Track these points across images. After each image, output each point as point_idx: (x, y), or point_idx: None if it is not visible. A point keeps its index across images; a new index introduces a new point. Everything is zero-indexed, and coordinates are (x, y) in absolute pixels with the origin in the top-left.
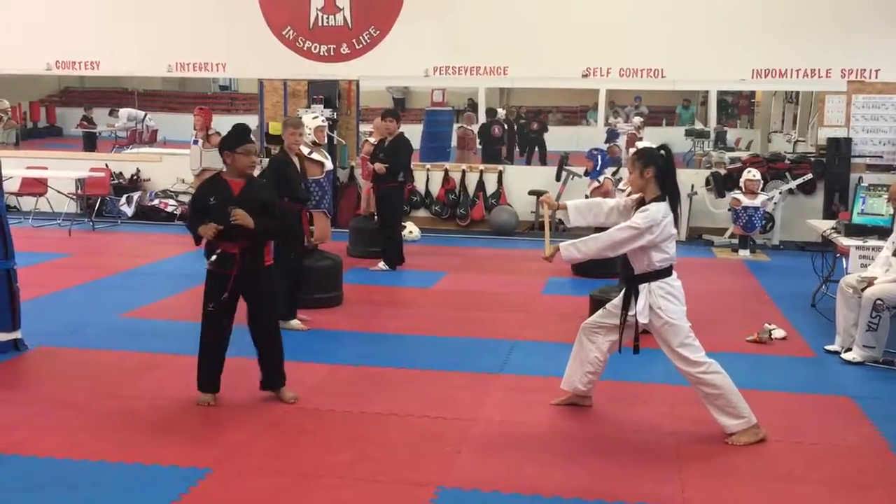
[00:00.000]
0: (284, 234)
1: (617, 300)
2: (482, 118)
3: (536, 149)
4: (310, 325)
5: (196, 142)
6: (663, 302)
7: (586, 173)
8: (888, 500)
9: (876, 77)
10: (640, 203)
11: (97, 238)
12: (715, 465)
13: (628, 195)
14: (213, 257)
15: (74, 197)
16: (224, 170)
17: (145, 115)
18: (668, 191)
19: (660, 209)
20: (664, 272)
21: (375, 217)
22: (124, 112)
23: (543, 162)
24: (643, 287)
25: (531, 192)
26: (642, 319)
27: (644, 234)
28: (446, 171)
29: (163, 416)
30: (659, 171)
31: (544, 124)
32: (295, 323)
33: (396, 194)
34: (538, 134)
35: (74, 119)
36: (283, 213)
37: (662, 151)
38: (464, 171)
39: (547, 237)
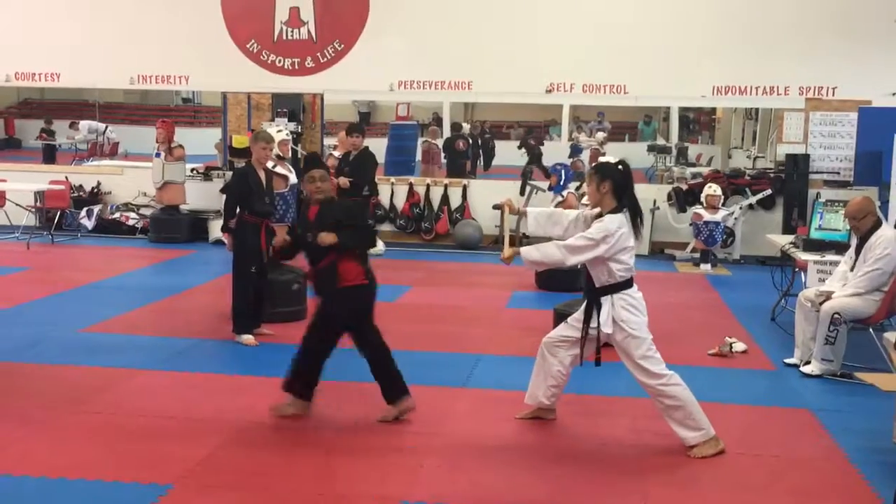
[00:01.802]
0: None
1: (578, 314)
2: (447, 132)
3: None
4: (273, 340)
5: (158, 155)
6: (625, 314)
7: (550, 188)
8: None
9: (833, 95)
10: (599, 216)
11: (56, 252)
12: (677, 478)
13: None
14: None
15: (33, 210)
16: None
17: (106, 128)
18: (627, 204)
19: (614, 221)
20: (625, 284)
21: None
22: (85, 124)
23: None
24: (605, 299)
25: (495, 207)
26: (606, 329)
27: (599, 244)
28: (411, 185)
29: (123, 432)
30: (615, 185)
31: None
32: (246, 338)
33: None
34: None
35: (34, 131)
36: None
37: (620, 166)
38: (428, 185)
39: (506, 239)
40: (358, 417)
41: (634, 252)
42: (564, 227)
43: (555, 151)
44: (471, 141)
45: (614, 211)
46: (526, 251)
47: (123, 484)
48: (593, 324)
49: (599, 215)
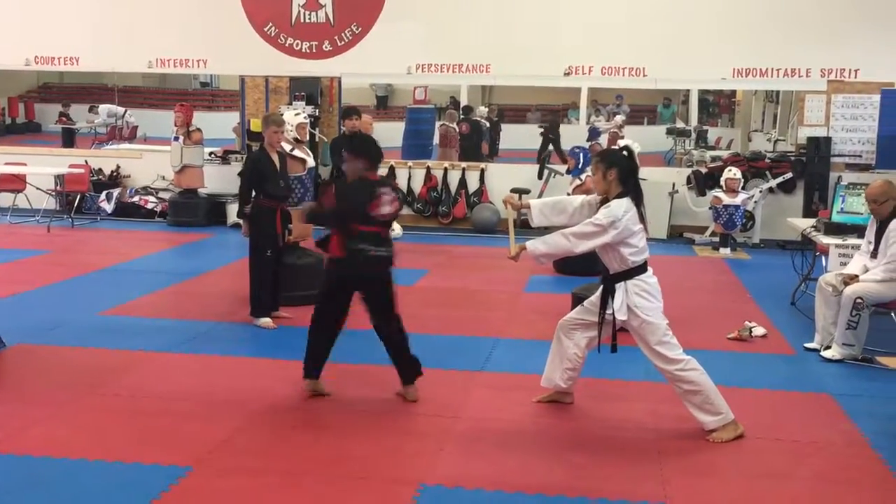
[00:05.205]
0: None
1: (594, 297)
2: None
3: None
4: (291, 323)
5: (177, 138)
6: (639, 300)
7: (568, 171)
8: (868, 496)
9: (855, 77)
10: (605, 202)
11: (76, 235)
12: (696, 462)
13: None
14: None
15: (53, 193)
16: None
17: (125, 112)
18: (631, 189)
19: (620, 205)
20: (639, 269)
21: None
22: (104, 108)
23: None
24: (619, 286)
25: (513, 190)
26: (621, 316)
27: (607, 229)
28: (428, 168)
29: (143, 414)
30: (621, 172)
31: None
32: (264, 321)
33: None
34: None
35: (53, 115)
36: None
37: (625, 152)
38: (446, 169)
39: (512, 237)
40: (376, 401)
41: (644, 235)
42: (570, 214)
43: (573, 135)
44: (488, 125)
45: (620, 196)
46: (532, 245)
47: (143, 465)
48: (609, 310)
49: (605, 201)
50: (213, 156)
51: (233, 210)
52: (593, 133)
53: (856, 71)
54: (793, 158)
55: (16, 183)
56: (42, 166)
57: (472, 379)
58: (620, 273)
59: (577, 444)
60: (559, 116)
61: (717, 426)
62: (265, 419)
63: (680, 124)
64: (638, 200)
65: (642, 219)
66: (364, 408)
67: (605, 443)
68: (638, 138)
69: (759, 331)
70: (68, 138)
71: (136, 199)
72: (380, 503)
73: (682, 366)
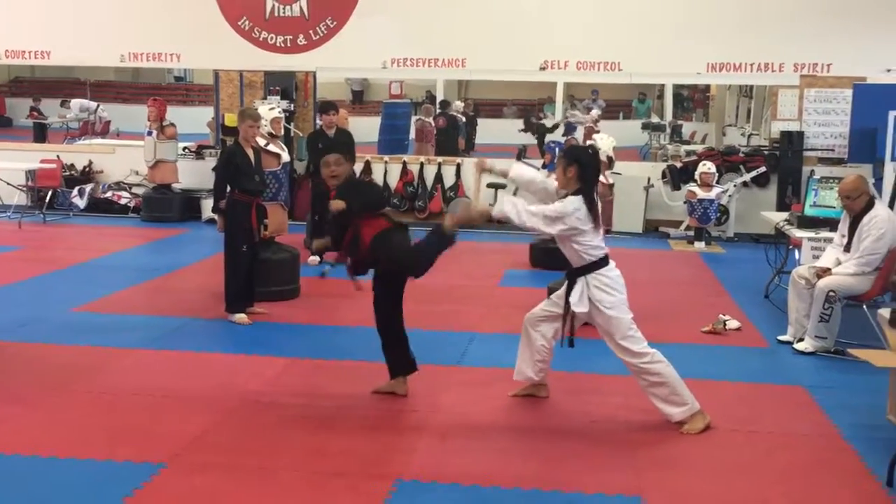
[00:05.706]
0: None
1: (561, 291)
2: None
3: None
4: (267, 318)
5: (150, 133)
6: (599, 294)
7: (544, 166)
8: (840, 487)
9: (828, 71)
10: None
11: (48, 231)
12: (669, 455)
13: None
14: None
15: (25, 189)
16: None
17: (98, 106)
18: (585, 189)
19: (572, 202)
20: (599, 263)
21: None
22: (76, 103)
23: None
24: (580, 279)
25: (489, 185)
26: (580, 309)
27: (554, 222)
28: (404, 163)
29: (116, 411)
30: (580, 169)
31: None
32: (239, 317)
33: None
34: None
35: (24, 110)
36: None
37: (590, 150)
38: (422, 164)
39: (476, 197)
40: (352, 396)
41: (596, 233)
42: (540, 196)
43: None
44: (464, 120)
45: (576, 192)
46: (499, 206)
47: (116, 463)
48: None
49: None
50: (187, 151)
51: (207, 205)
52: (569, 128)
53: (828, 66)
54: (766, 153)
55: None
56: (13, 161)
57: (448, 374)
58: (582, 267)
59: (552, 438)
60: (535, 111)
61: (683, 417)
62: (239, 415)
63: (655, 119)
64: (591, 204)
65: (595, 218)
66: (339, 403)
67: (580, 436)
68: (613, 133)
69: (732, 324)
70: (40, 133)
71: (109, 194)
72: (355, 498)
73: (648, 359)
